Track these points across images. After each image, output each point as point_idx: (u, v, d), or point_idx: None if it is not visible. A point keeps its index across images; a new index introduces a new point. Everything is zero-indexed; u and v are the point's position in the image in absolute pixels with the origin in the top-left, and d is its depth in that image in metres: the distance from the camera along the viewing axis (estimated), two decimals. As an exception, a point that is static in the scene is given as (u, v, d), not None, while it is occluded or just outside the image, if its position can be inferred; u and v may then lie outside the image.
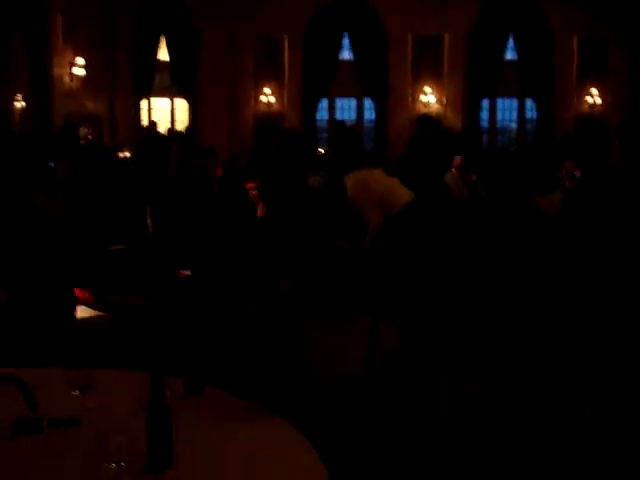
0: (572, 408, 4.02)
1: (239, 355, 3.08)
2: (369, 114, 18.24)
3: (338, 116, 18.35)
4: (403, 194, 7.42)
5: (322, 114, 18.25)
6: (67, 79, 14.68)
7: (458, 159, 10.44)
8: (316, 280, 2.85)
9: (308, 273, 2.95)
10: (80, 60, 14.80)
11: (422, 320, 6.63)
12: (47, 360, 3.22)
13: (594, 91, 17.47)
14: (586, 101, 17.58)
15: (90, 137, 15.04)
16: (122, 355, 3.24)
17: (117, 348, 3.34)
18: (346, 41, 17.60)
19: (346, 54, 17.75)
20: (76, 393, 2.58)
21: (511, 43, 17.55)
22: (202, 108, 17.58)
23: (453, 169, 10.37)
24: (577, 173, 11.21)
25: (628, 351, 5.37)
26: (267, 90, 17.73)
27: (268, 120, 17.35)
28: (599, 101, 17.51)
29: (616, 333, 6.03)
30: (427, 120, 9.92)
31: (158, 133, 15.60)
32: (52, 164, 8.22)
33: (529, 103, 18.21)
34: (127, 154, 14.48)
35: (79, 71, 14.83)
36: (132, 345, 3.31)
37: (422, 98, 17.64)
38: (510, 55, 17.65)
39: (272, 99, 17.77)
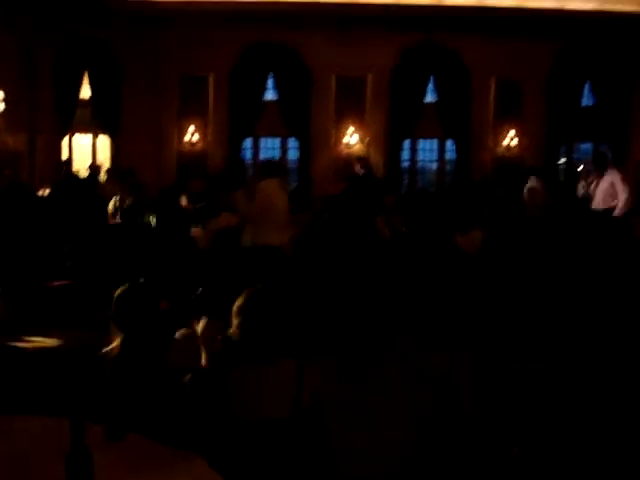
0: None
1: (161, 398, 3.02)
2: (293, 153, 18.36)
3: (262, 155, 18.42)
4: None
5: (247, 153, 18.28)
6: (-15, 114, 14.35)
7: (390, 200, 10.61)
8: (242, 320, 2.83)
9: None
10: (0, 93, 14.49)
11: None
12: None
13: (511, 133, 18.00)
14: (503, 143, 18.09)
15: (7, 173, 14.67)
16: (41, 400, 3.14)
17: (35, 392, 3.24)
18: (271, 82, 17.71)
19: (271, 94, 17.87)
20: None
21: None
22: (125, 145, 17.38)
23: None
24: (496, 212, 11.51)
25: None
26: (191, 128, 17.66)
27: (192, 158, 17.29)
28: (515, 142, 18.04)
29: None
30: (368, 162, 10.23)
31: (71, 171, 15.35)
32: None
33: (449, 144, 18.62)
34: (47, 191, 14.16)
35: (-2, 105, 14.52)
36: (50, 390, 3.21)
37: (345, 138, 17.86)
38: (431, 97, 18.05)
39: (196, 137, 17.71)
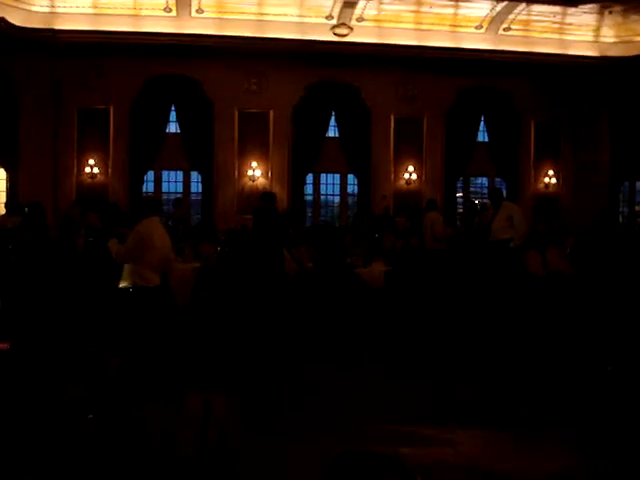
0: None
1: (59, 441, 2.93)
2: (196, 187, 18.25)
3: (164, 188, 18.25)
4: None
5: (149, 186, 18.07)
6: None
7: (290, 233, 10.66)
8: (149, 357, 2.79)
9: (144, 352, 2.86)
10: None
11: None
12: None
13: (410, 168, 18.43)
14: (403, 177, 18.50)
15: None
16: None
17: None
18: (173, 114, 17.63)
19: (173, 127, 17.77)
20: None
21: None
22: (22, 178, 16.92)
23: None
24: (398, 244, 11.71)
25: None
26: (91, 161, 17.34)
27: (92, 191, 16.96)
28: (415, 177, 18.48)
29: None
30: (272, 196, 10.26)
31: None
32: None
33: (351, 178, 18.90)
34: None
35: None
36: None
37: (248, 172, 17.90)
38: (333, 132, 18.35)
39: (96, 170, 17.39)
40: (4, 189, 17.37)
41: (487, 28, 17.85)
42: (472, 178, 19.76)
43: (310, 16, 17.19)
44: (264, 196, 10.36)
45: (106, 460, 2.74)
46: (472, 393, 7.09)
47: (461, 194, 19.53)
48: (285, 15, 17.08)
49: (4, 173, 17.34)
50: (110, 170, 17.53)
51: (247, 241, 10.87)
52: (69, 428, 2.90)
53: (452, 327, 8.62)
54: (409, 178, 18.51)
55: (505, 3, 17.01)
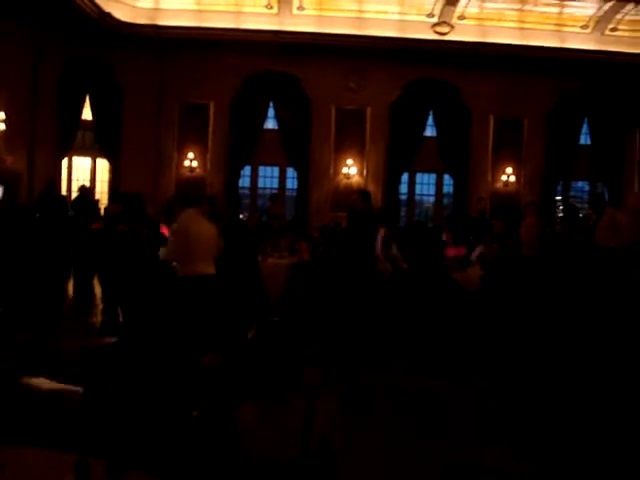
0: None
1: (165, 435, 2.96)
2: (291, 183, 18.37)
3: (260, 184, 18.44)
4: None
5: (245, 181, 18.30)
6: (-14, 133, 14.34)
7: (382, 232, 10.56)
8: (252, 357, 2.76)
9: (243, 349, 2.84)
10: (1, 114, 14.47)
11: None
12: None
13: (509, 169, 18.07)
14: (501, 179, 18.15)
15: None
16: (47, 432, 3.08)
17: (41, 425, 3.18)
18: (271, 110, 17.79)
19: (271, 123, 17.94)
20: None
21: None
22: (124, 169, 17.41)
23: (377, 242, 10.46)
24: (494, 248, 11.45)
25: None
26: (191, 154, 17.69)
27: (190, 184, 17.28)
28: (513, 179, 18.10)
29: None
30: (367, 195, 10.24)
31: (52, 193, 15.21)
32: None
33: (447, 178, 18.67)
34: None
35: (0, 125, 14.49)
36: (56, 423, 3.15)
37: (344, 169, 17.90)
38: (430, 132, 18.15)
39: (195, 163, 17.73)
40: (107, 179, 17.91)
41: (593, 28, 17.30)
42: (573, 182, 19.19)
43: (411, 14, 17.04)
44: (361, 195, 10.31)
45: (206, 458, 2.75)
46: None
47: (560, 198, 19.01)
48: (385, 13, 16.98)
49: (107, 164, 17.87)
50: (208, 164, 17.84)
51: (341, 240, 10.85)
52: (174, 424, 2.94)
53: (550, 337, 8.36)
54: (507, 180, 18.14)
55: (612, 3, 16.47)
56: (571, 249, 10.20)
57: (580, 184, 19.59)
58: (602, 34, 17.29)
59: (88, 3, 14.80)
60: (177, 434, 2.88)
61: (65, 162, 17.58)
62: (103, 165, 18.10)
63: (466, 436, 5.99)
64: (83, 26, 15.65)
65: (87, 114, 17.32)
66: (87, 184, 16.94)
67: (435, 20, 16.84)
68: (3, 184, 14.11)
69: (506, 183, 18.15)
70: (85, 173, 18.04)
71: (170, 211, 8.46)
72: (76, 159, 17.96)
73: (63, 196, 15.62)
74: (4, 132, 14.67)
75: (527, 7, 16.87)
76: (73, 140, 17.21)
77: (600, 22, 17.13)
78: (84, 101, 17.10)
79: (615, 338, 7.80)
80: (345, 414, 2.75)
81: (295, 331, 2.89)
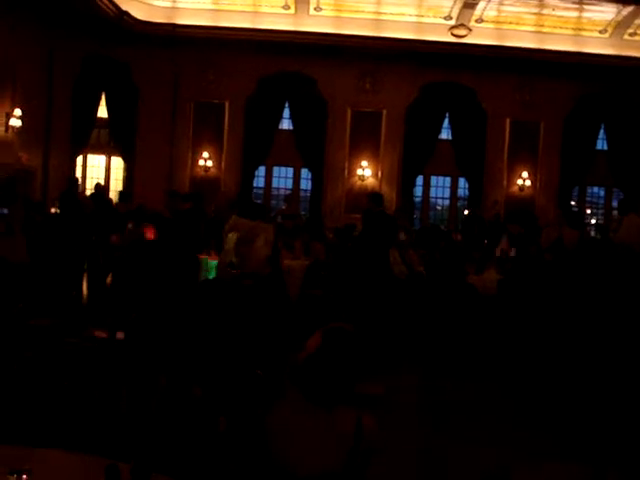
0: None
1: (190, 439, 2.91)
2: (305, 184, 18.33)
3: (275, 184, 18.42)
4: None
5: (259, 181, 18.28)
6: (2, 129, 14.34)
7: (401, 236, 10.52)
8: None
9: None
10: (17, 111, 14.51)
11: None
12: None
13: (524, 174, 17.97)
14: (516, 183, 18.05)
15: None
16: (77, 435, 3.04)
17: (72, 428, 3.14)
18: (287, 111, 17.75)
19: (286, 124, 17.90)
20: (13, 478, 2.35)
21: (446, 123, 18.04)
22: (138, 167, 17.41)
23: (393, 246, 10.40)
24: (511, 252, 11.37)
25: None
26: (205, 154, 17.67)
27: (204, 184, 17.26)
28: (529, 183, 18.00)
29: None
30: (380, 197, 10.19)
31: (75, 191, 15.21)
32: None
33: (462, 181, 18.59)
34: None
35: (16, 122, 14.52)
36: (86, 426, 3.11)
37: (358, 171, 17.85)
38: (445, 134, 18.08)
39: (210, 163, 17.71)
40: (122, 178, 17.92)
41: (612, 33, 17.17)
42: (588, 187, 19.05)
43: (428, 16, 16.96)
44: (372, 197, 10.27)
45: (232, 466, 2.69)
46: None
47: (574, 203, 18.89)
48: (403, 15, 16.90)
49: (122, 162, 17.89)
50: (223, 164, 17.82)
51: (355, 242, 10.82)
52: (198, 428, 2.89)
53: (567, 342, 8.29)
54: (522, 184, 18.03)
55: (632, 8, 16.33)
56: (593, 254, 10.11)
57: (596, 189, 19.44)
58: (621, 39, 17.15)
59: (106, 2, 14.80)
60: (202, 439, 2.83)
61: (80, 160, 17.61)
62: (118, 163, 18.11)
63: (479, 439, 5.95)
64: (100, 25, 15.66)
65: (102, 112, 17.34)
66: (102, 182, 16.98)
67: (453, 23, 16.75)
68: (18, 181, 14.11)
69: (521, 187, 18.04)
70: (100, 171, 18.06)
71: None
72: (91, 157, 18.00)
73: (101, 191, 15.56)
74: (20, 129, 14.71)
75: (545, 11, 16.74)
76: (88, 138, 17.25)
77: (619, 27, 16.99)
78: (100, 99, 17.13)
79: (635, 344, 7.72)
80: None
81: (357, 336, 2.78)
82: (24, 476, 2.34)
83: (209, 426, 2.82)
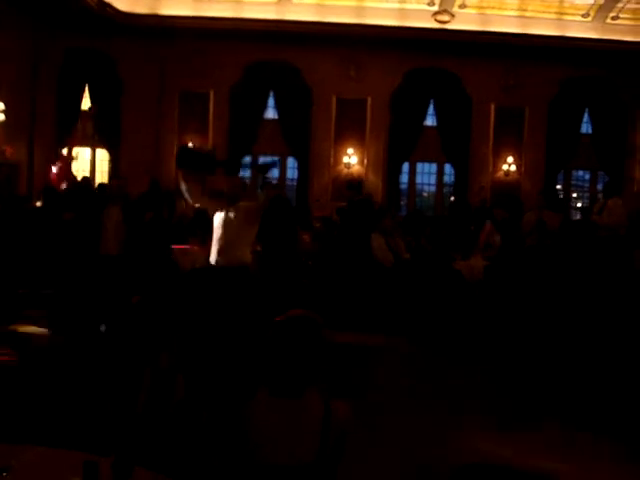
0: None
1: (173, 433, 2.93)
2: (292, 172, 18.33)
3: (261, 173, 18.36)
4: None
5: (245, 171, 18.24)
6: (-14, 124, 14.29)
7: (388, 223, 10.52)
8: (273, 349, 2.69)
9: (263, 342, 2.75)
10: (0, 105, 14.43)
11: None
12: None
13: (510, 159, 18.02)
14: (502, 168, 18.11)
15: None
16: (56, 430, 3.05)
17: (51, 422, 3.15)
18: (272, 101, 17.72)
19: (271, 113, 17.87)
20: (-5, 475, 2.38)
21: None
22: (123, 159, 17.35)
23: (377, 233, 10.41)
24: (497, 237, 11.41)
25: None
26: (191, 144, 17.60)
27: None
28: (514, 168, 18.06)
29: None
30: (358, 185, 10.16)
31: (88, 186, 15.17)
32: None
33: (447, 168, 18.63)
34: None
35: (-1, 116, 14.47)
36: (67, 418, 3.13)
37: (344, 159, 17.85)
38: (431, 121, 18.09)
39: (194, 153, 17.63)
40: (107, 169, 17.86)
41: (594, 17, 17.20)
42: (574, 171, 19.13)
43: (411, 2, 16.93)
44: (350, 186, 10.21)
45: (214, 457, 2.72)
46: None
47: (561, 187, 18.98)
48: (386, 1, 16.87)
49: (107, 154, 17.83)
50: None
51: (339, 231, 10.83)
52: (182, 421, 2.91)
53: (554, 328, 8.35)
54: (508, 169, 18.09)
55: (614, -9, 16.38)
56: (574, 237, 10.18)
57: (581, 173, 19.53)
58: (603, 22, 17.19)
59: (87, -7, 14.72)
60: (185, 431, 2.86)
61: (65, 152, 17.54)
62: (103, 155, 18.05)
63: (465, 424, 6.00)
64: (83, 16, 15.55)
65: (87, 104, 17.27)
66: (87, 174, 16.95)
67: (436, 8, 16.74)
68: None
69: (507, 172, 18.11)
70: (85, 164, 18.00)
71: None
72: (76, 149, 17.92)
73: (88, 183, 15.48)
74: (3, 123, 14.64)
75: (528, -5, 16.79)
76: (72, 130, 17.17)
77: (601, 10, 17.02)
78: (83, 91, 17.05)
79: (620, 328, 7.79)
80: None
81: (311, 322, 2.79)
82: (4, 474, 2.36)
83: (193, 419, 2.85)
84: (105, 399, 3.11)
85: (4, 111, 14.54)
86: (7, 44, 14.72)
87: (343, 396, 2.80)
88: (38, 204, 13.80)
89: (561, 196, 18.84)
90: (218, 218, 7.21)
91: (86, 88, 17.09)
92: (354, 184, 10.24)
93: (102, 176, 17.88)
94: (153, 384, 3.14)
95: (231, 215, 7.12)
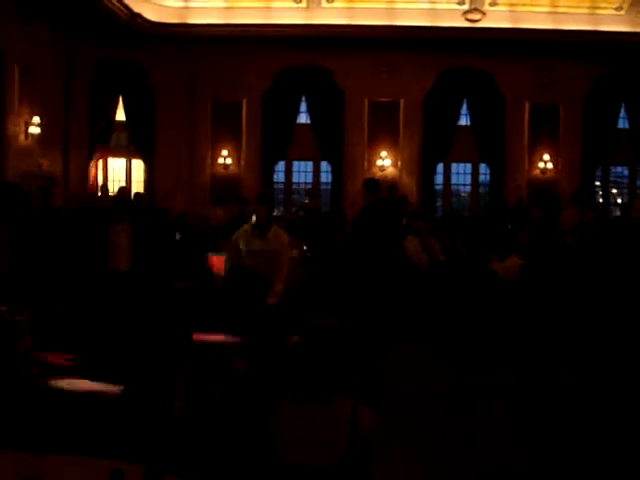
0: None
1: (202, 441, 2.91)
2: (326, 177, 18.31)
3: (295, 179, 18.42)
4: None
5: (279, 176, 18.29)
6: (22, 137, 14.48)
7: (421, 224, 10.42)
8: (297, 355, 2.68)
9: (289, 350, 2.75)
10: (36, 119, 14.64)
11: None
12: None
13: (546, 157, 17.80)
14: (538, 166, 17.89)
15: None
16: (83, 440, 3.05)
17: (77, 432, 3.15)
18: (304, 105, 17.73)
19: (303, 118, 17.88)
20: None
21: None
22: (158, 168, 17.50)
23: (412, 235, 10.30)
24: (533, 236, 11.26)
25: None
26: (224, 152, 17.71)
27: (225, 182, 17.31)
28: (550, 166, 17.83)
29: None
30: (373, 183, 9.82)
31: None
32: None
33: (483, 167, 18.47)
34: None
35: (35, 130, 14.65)
36: (92, 430, 3.12)
37: (378, 162, 17.79)
38: (464, 121, 17.96)
39: (229, 161, 17.74)
40: (142, 179, 18.01)
41: (627, 10, 16.92)
42: (612, 167, 18.84)
43: (441, 2, 16.84)
44: (365, 184, 9.93)
45: (241, 463, 2.70)
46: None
47: (599, 183, 18.70)
48: (416, 2, 16.80)
49: (142, 164, 17.97)
50: (242, 161, 17.85)
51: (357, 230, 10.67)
52: (210, 428, 2.89)
53: (592, 327, 8.18)
54: (544, 167, 17.86)
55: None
56: (614, 235, 9.97)
57: (619, 169, 19.23)
58: (636, 15, 16.89)
59: (118, 4, 14.85)
60: (213, 438, 2.84)
61: (100, 163, 17.74)
62: (138, 165, 18.20)
63: (496, 434, 5.88)
64: (113, 27, 15.71)
65: (121, 115, 17.44)
66: (124, 185, 17.08)
67: (466, 7, 16.62)
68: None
69: (543, 170, 17.88)
70: (120, 174, 18.18)
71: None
72: (111, 160, 18.11)
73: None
74: (39, 135, 14.84)
75: (560, -10, 16.58)
76: (107, 141, 17.35)
77: (634, 3, 16.75)
78: (117, 102, 17.21)
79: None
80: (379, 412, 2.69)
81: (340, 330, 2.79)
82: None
83: (218, 424, 2.82)
84: (135, 405, 3.10)
85: (39, 124, 14.74)
86: (40, 57, 14.94)
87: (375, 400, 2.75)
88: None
89: (600, 193, 18.58)
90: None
91: (120, 99, 17.22)
92: (370, 182, 9.96)
93: (138, 186, 18.02)
94: (188, 391, 3.12)
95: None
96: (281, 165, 18.24)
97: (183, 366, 3.22)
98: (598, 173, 18.45)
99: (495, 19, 16.60)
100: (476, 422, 6.14)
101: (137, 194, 14.10)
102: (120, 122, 17.44)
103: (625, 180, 19.05)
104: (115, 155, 18.12)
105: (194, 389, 3.20)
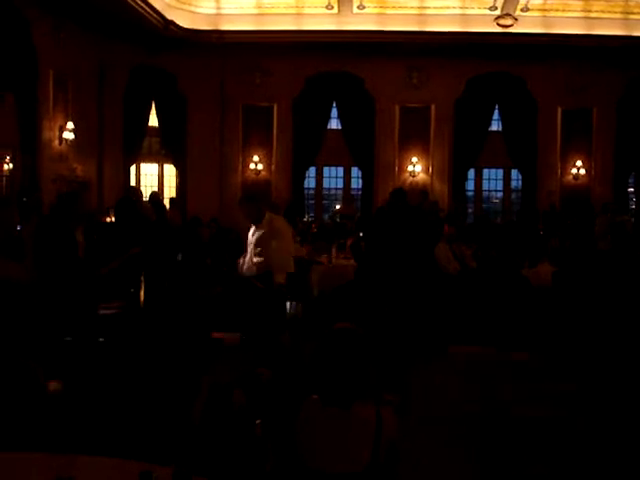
0: None
1: (230, 445, 2.94)
2: (356, 182, 18.32)
3: (325, 184, 18.46)
4: None
5: (310, 182, 18.34)
6: (56, 143, 14.67)
7: (451, 231, 10.38)
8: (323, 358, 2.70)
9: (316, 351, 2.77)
10: (70, 124, 14.83)
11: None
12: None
13: (578, 162, 17.65)
14: (570, 172, 17.74)
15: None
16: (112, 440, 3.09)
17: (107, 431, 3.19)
18: (334, 111, 17.77)
19: (334, 123, 17.92)
20: (58, 485, 2.42)
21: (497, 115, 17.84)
22: (190, 173, 17.64)
23: (443, 241, 10.24)
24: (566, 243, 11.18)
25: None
26: (255, 157, 17.80)
27: (256, 187, 17.40)
28: (583, 171, 17.68)
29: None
30: (398, 193, 9.91)
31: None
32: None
33: (514, 173, 18.37)
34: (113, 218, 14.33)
35: (69, 135, 14.84)
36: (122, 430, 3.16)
37: (409, 167, 17.76)
38: (496, 126, 17.88)
39: (260, 166, 17.83)
40: (175, 185, 18.16)
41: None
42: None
43: (472, 7, 16.77)
44: (392, 194, 10.02)
45: (266, 467, 2.72)
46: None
47: (633, 190, 18.49)
48: (447, 7, 16.75)
49: (174, 169, 18.12)
50: (273, 166, 17.93)
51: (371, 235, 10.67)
52: (238, 432, 2.91)
53: (625, 335, 8.09)
54: (577, 173, 17.71)
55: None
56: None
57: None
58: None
59: (151, 12, 15.00)
60: (240, 441, 2.86)
61: (133, 169, 17.91)
62: (170, 171, 18.36)
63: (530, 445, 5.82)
64: (147, 35, 15.89)
65: (153, 120, 17.60)
66: (156, 189, 17.23)
67: (498, 13, 16.53)
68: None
69: (576, 176, 17.73)
70: (153, 179, 18.34)
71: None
72: (144, 165, 18.28)
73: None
74: (73, 141, 15.02)
75: (592, -4, 16.44)
76: (140, 147, 17.52)
77: (669, 8, 16.57)
78: (150, 108, 17.37)
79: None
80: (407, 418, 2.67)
81: (364, 336, 2.80)
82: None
83: (245, 428, 2.85)
84: (164, 409, 3.13)
85: (74, 130, 14.92)
86: (75, 64, 15.15)
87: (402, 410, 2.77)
88: (108, 220, 14.11)
89: (633, 199, 18.37)
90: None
91: (152, 105, 17.38)
92: (396, 192, 10.03)
93: (170, 191, 18.17)
94: (210, 394, 3.15)
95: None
96: (312, 170, 18.28)
97: (205, 371, 3.27)
98: (632, 179, 18.25)
99: (527, 24, 16.50)
100: (506, 433, 6.08)
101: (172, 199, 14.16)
102: (152, 127, 17.60)
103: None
104: (147, 160, 18.27)
105: (215, 395, 3.23)
